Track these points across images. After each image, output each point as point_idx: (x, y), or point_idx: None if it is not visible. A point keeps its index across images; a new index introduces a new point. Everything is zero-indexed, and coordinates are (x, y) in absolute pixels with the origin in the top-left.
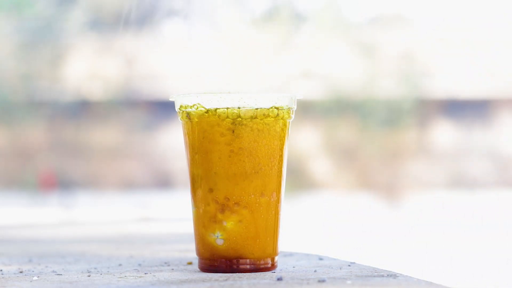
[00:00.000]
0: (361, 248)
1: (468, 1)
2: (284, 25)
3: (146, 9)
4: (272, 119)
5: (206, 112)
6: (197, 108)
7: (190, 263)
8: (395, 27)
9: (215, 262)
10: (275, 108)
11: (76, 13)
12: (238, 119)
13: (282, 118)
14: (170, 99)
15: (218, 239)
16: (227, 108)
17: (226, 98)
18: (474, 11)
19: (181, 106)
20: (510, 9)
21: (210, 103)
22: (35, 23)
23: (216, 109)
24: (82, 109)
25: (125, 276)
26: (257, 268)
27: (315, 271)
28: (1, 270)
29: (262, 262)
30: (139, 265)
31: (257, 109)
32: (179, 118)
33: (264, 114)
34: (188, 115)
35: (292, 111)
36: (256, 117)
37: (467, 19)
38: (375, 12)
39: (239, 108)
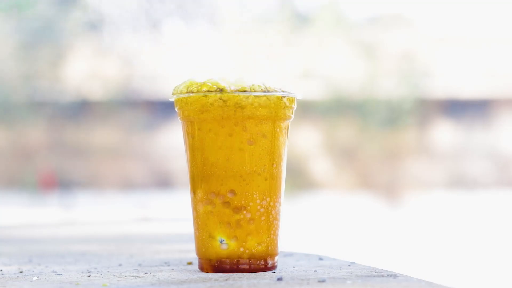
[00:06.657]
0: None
1: (468, 1)
2: (284, 25)
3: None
4: (272, 119)
5: (206, 112)
6: (197, 108)
7: (190, 263)
8: (395, 27)
9: (215, 262)
10: (275, 108)
11: (76, 13)
12: (238, 119)
13: (282, 118)
14: (170, 99)
15: (223, 244)
16: (227, 108)
17: (226, 98)
18: (474, 11)
19: (180, 106)
20: (510, 9)
21: (210, 103)
22: (35, 23)
23: (216, 109)
24: (82, 109)
25: (125, 276)
26: (257, 268)
27: (315, 271)
28: (1, 270)
29: (262, 262)
30: (139, 265)
31: (257, 109)
32: (179, 118)
33: (264, 114)
34: (188, 114)
35: (292, 111)
36: (256, 117)
37: (467, 19)
38: (376, 12)
39: (239, 108)
